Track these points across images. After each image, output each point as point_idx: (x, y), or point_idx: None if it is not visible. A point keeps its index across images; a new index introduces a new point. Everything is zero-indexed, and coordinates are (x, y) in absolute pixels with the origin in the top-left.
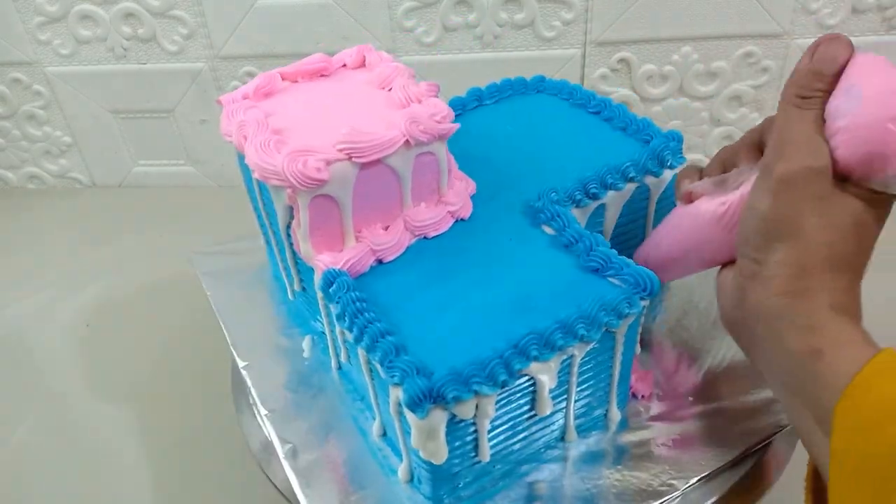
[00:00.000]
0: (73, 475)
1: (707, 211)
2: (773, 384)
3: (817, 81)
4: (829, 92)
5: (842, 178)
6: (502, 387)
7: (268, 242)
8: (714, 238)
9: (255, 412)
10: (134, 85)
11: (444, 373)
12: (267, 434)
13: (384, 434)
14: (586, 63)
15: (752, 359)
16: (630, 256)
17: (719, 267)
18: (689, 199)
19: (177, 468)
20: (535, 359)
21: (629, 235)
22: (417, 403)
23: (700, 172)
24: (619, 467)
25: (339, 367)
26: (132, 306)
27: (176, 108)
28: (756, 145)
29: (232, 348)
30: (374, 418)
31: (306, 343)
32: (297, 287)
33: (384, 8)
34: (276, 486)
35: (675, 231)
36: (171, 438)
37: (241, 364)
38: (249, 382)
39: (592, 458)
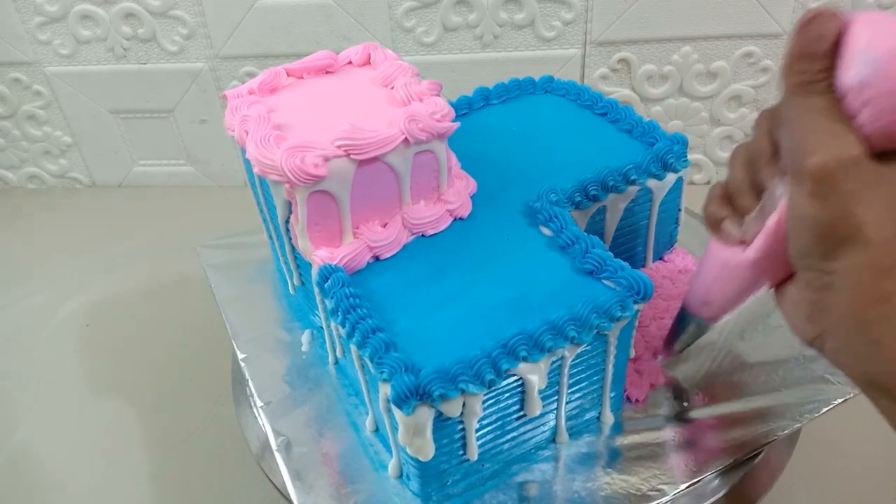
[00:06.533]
0: (74, 475)
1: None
2: (871, 394)
3: (815, 63)
4: (831, 69)
5: (885, 153)
6: (489, 386)
7: (270, 237)
8: (772, 257)
9: (253, 407)
10: (134, 85)
11: (431, 370)
12: (262, 427)
13: (377, 430)
14: (586, 63)
15: (844, 369)
16: (632, 259)
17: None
18: (739, 242)
19: (177, 468)
20: (524, 359)
21: (631, 238)
22: (404, 400)
23: (724, 191)
24: (610, 470)
25: (336, 362)
26: (132, 306)
27: (176, 108)
28: (772, 154)
29: (232, 340)
30: (367, 413)
31: (305, 337)
32: (296, 282)
33: (384, 8)
34: (274, 485)
35: (725, 266)
36: (172, 438)
37: (240, 356)
38: (248, 375)
39: (583, 461)
